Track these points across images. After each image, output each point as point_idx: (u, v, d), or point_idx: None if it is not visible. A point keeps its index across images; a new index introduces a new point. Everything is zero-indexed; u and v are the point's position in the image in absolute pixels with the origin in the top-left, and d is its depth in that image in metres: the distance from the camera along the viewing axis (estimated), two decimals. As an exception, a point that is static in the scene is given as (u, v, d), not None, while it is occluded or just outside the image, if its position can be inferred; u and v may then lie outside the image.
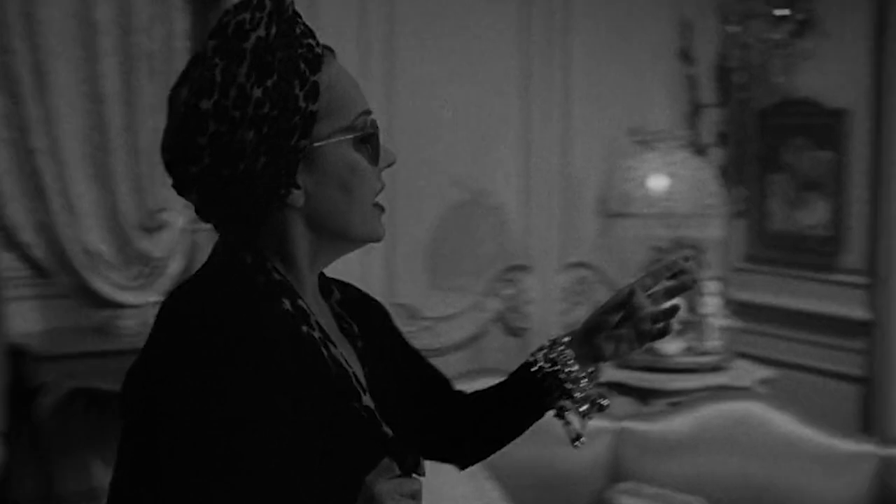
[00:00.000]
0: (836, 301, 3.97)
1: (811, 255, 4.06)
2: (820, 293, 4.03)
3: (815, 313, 4.02)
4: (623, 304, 1.38)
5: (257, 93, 1.17)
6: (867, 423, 3.84)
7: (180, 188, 1.22)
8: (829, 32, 3.91)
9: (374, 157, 1.26)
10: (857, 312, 3.88)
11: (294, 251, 1.26)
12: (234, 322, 1.16)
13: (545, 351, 1.40)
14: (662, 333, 1.39)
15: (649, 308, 1.37)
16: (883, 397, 3.79)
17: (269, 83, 1.17)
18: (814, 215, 4.05)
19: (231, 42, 1.18)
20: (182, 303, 1.20)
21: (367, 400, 1.23)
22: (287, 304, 1.21)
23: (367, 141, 1.25)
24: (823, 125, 3.95)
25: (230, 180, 1.19)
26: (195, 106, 1.18)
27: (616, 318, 1.38)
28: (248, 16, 1.19)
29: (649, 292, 1.38)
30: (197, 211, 1.24)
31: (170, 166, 1.21)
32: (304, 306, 1.22)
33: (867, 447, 2.81)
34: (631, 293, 1.37)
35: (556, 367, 1.38)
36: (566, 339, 1.41)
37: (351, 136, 1.23)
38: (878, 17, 3.79)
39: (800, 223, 4.10)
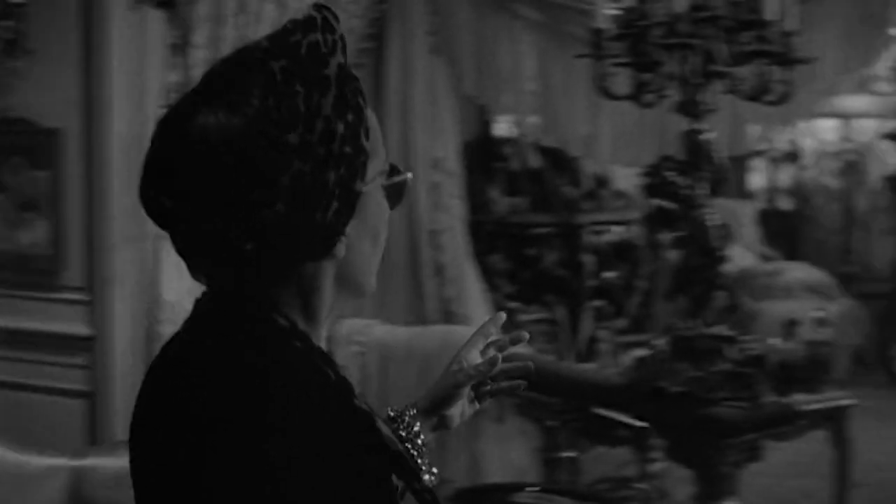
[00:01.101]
0: (58, 318, 4.16)
1: (33, 274, 4.20)
2: (43, 311, 4.19)
3: (39, 331, 4.17)
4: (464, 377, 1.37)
5: (340, 128, 1.05)
6: (93, 436, 4.11)
7: (202, 237, 1.04)
8: (39, 51, 4.06)
9: (394, 203, 1.16)
10: (79, 328, 4.11)
11: (319, 306, 1.13)
12: (298, 397, 1.02)
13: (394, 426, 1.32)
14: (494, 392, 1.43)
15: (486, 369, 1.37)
16: (105, 409, 4.08)
17: (348, 117, 1.06)
18: (33, 234, 4.20)
19: (309, 67, 1.05)
20: (229, 371, 1.03)
21: (426, 480, 1.15)
22: (332, 374, 1.07)
23: (398, 186, 1.15)
24: (38, 144, 4.13)
25: (299, 228, 1.04)
26: (277, 140, 1.02)
27: (466, 389, 1.37)
28: (320, 37, 1.06)
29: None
30: (197, 259, 1.08)
31: (191, 214, 1.03)
32: (347, 377, 1.07)
33: (59, 461, 2.84)
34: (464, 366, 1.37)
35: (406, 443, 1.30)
36: (412, 412, 1.34)
37: (385, 181, 1.13)
38: (86, 38, 4.05)
39: (20, 242, 4.23)
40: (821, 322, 4.45)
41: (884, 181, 8.90)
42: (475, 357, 1.40)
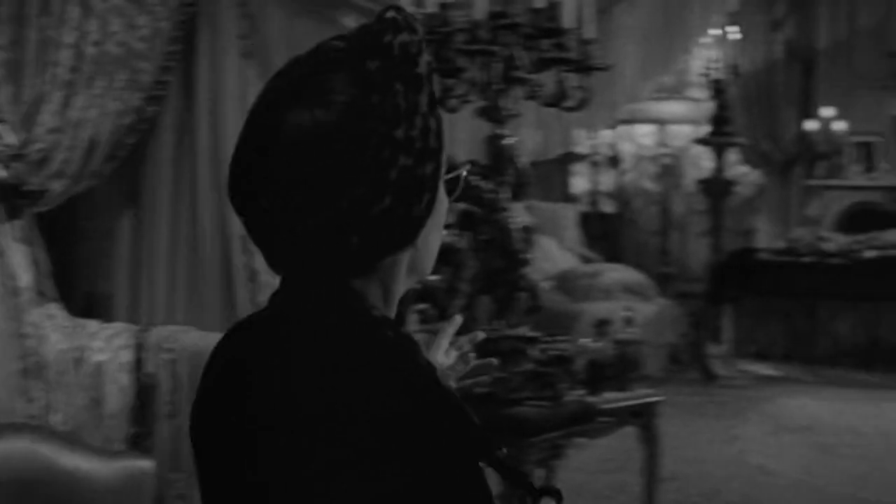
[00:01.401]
0: None
1: None
2: None
3: None
4: None
5: (433, 124, 1.12)
6: None
7: (304, 229, 1.10)
8: None
9: (451, 195, 1.21)
10: None
11: (395, 294, 1.19)
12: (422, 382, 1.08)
13: None
14: None
15: None
16: None
17: (437, 113, 1.12)
18: None
19: (403, 66, 1.11)
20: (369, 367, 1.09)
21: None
22: (424, 360, 1.11)
23: (456, 180, 1.22)
24: None
25: (400, 221, 1.11)
26: (386, 135, 1.08)
27: None
28: (408, 37, 1.11)
29: None
30: (280, 254, 1.15)
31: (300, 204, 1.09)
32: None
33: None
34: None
35: None
36: None
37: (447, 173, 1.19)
38: None
39: None
40: (628, 321, 4.62)
41: (697, 184, 9.29)
42: (442, 359, 1.49)
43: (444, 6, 3.13)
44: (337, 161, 1.10)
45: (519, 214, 3.28)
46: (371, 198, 1.10)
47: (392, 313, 1.20)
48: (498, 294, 3.20)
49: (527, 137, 6.36)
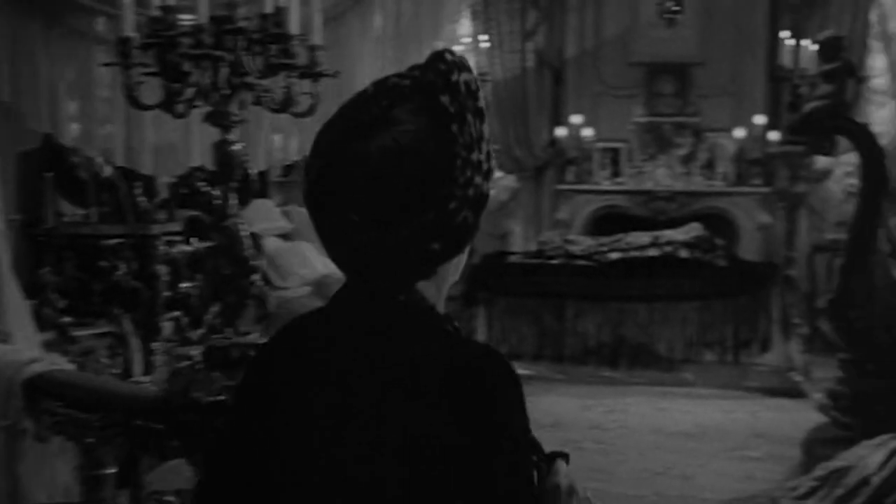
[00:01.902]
0: None
1: None
2: None
3: None
4: None
5: (491, 148, 1.40)
6: None
7: (405, 245, 1.32)
8: None
9: None
10: None
11: (444, 295, 1.44)
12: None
13: None
14: None
15: None
16: None
17: (490, 140, 1.40)
18: None
19: (469, 101, 1.35)
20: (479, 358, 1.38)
21: None
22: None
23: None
24: None
25: (471, 230, 1.36)
26: (467, 159, 1.33)
27: None
28: (469, 76, 1.36)
29: None
30: (366, 259, 1.35)
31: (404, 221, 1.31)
32: None
33: None
34: None
35: None
36: None
37: None
38: None
39: None
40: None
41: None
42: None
43: (167, 9, 3.10)
44: (427, 181, 1.33)
45: (245, 221, 3.26)
46: (456, 211, 1.34)
47: (442, 311, 1.45)
48: (227, 301, 3.19)
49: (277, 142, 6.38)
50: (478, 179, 1.37)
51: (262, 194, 9.29)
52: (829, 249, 9.07)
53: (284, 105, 3.24)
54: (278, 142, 7.80)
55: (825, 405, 5.86)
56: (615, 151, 9.83)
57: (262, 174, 8.87)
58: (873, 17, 9.49)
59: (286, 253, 8.82)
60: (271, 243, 8.82)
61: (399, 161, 1.32)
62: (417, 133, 1.33)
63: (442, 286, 1.45)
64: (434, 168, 1.33)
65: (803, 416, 6.49)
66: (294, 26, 3.17)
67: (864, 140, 5.86)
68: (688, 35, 9.57)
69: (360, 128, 1.36)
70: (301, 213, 9.42)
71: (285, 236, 9.10)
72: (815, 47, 6.14)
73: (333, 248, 1.42)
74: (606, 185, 9.74)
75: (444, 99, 1.36)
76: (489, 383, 1.37)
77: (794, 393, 7.37)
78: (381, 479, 1.33)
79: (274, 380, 1.45)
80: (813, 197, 9.65)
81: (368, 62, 5.50)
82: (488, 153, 1.40)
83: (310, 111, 3.28)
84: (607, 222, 9.61)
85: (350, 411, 1.36)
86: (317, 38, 3.26)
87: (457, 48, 8.90)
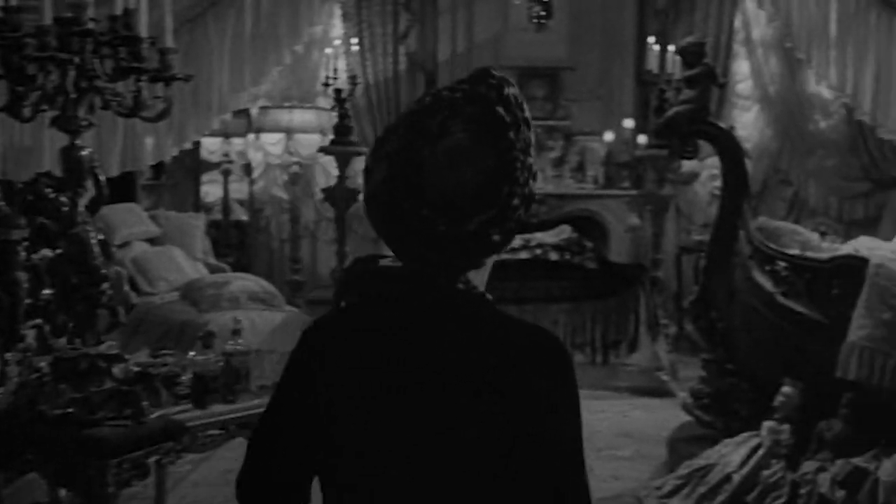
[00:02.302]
0: None
1: None
2: None
3: None
4: None
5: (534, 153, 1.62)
6: None
7: (488, 235, 1.53)
8: None
9: None
10: None
11: (485, 284, 1.65)
12: None
13: None
14: None
15: None
16: None
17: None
18: None
19: (519, 111, 1.56)
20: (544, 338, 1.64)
21: None
22: None
23: None
24: None
25: (521, 224, 1.58)
26: (524, 163, 1.55)
27: None
28: (515, 90, 1.59)
29: None
30: (456, 255, 1.55)
31: (491, 218, 1.52)
32: None
33: None
34: None
35: None
36: None
37: None
38: None
39: None
40: (236, 333, 4.63)
41: (322, 193, 9.46)
42: None
43: (9, 10, 3.00)
44: (493, 181, 1.52)
45: (94, 229, 3.18)
46: (516, 207, 1.54)
47: None
48: (77, 311, 3.11)
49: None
50: (531, 181, 1.59)
51: (130, 198, 9.10)
52: (695, 251, 9.30)
53: (134, 109, 3.17)
54: (150, 144, 7.66)
55: (688, 404, 6.00)
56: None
57: (131, 177, 8.69)
58: (738, 23, 9.76)
59: (154, 258, 8.65)
60: (138, 248, 8.64)
61: (467, 163, 1.52)
62: (478, 139, 1.53)
63: (484, 276, 1.65)
64: (499, 171, 1.53)
65: (670, 415, 6.63)
66: (144, 29, 3.10)
67: (724, 144, 6.02)
68: (558, 39, 9.71)
69: (426, 134, 1.54)
70: (170, 217, 9.26)
71: (153, 241, 8.93)
72: (678, 52, 6.28)
73: (401, 241, 1.62)
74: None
75: (500, 110, 1.55)
76: (558, 359, 1.62)
77: (662, 392, 7.53)
78: (477, 445, 1.54)
79: (341, 364, 1.62)
80: (680, 199, 9.89)
81: (227, 64, 5.43)
82: (533, 157, 1.61)
83: (162, 115, 3.22)
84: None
85: (443, 389, 1.55)
86: (169, 41, 3.20)
87: (328, 51, 8.90)
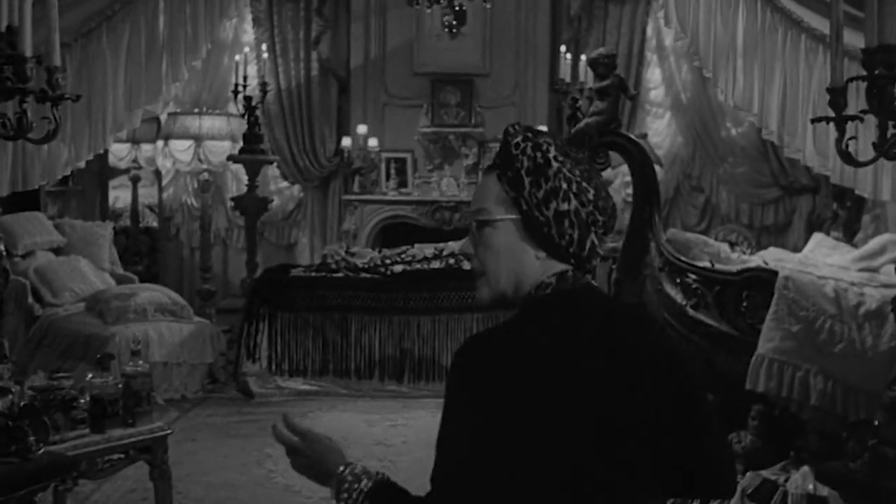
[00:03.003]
0: None
1: None
2: None
3: None
4: None
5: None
6: None
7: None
8: None
9: None
10: None
11: None
12: None
13: None
14: None
15: None
16: None
17: None
18: None
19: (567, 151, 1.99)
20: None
21: None
22: None
23: None
24: None
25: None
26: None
27: None
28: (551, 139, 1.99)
29: None
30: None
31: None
32: None
33: None
34: None
35: None
36: None
37: None
38: None
39: None
40: (135, 354, 4.48)
41: (231, 202, 9.31)
42: None
43: None
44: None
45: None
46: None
47: None
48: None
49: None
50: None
51: (34, 206, 8.83)
52: (608, 258, 9.30)
53: (19, 132, 3.02)
54: (40, 164, 7.41)
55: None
56: (401, 162, 9.82)
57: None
58: (649, 30, 9.81)
59: (59, 268, 8.40)
60: (42, 258, 8.39)
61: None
62: (555, 168, 1.93)
63: None
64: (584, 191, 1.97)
65: None
66: (29, 48, 2.95)
67: (634, 155, 6.01)
68: (472, 46, 9.67)
69: (591, 172, 2.00)
70: (75, 225, 9.00)
71: (58, 250, 8.68)
72: (589, 64, 6.27)
73: (592, 250, 1.96)
74: (392, 196, 9.71)
75: (550, 150, 1.96)
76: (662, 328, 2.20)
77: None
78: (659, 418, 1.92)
79: (552, 355, 1.87)
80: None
81: (122, 80, 5.26)
82: None
83: (50, 137, 3.07)
84: (394, 233, 9.59)
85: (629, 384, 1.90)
86: (55, 60, 3.05)
87: (237, 58, 8.73)
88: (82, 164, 8.25)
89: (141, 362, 4.49)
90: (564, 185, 1.89)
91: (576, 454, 1.82)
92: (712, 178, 9.98)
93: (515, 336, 1.89)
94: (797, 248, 9.52)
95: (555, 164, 1.90)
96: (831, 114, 3.06)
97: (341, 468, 1.97)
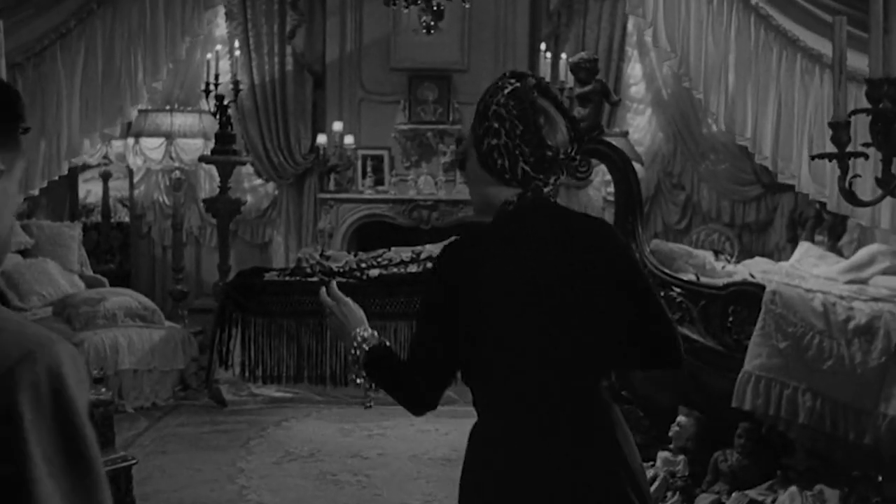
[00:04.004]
0: None
1: None
2: None
3: None
4: None
5: None
6: None
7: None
8: None
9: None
10: None
11: None
12: None
13: None
14: None
15: None
16: None
17: None
18: None
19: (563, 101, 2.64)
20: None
21: None
22: None
23: None
24: None
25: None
26: (577, 123, 2.57)
27: None
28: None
29: None
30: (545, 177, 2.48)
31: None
32: None
33: None
34: None
35: None
36: None
37: None
38: None
39: None
40: (98, 381, 4.26)
41: (204, 203, 9.08)
42: None
43: None
44: (569, 134, 2.46)
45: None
46: (577, 148, 2.51)
47: None
48: None
49: None
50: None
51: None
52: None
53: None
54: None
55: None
56: (378, 159, 9.59)
57: None
58: (630, 25, 9.60)
59: (26, 271, 8.15)
60: (9, 260, 8.13)
61: (560, 127, 2.44)
62: (560, 116, 2.46)
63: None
64: (570, 129, 2.45)
65: None
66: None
67: (616, 162, 5.80)
68: (450, 41, 9.43)
69: (533, 105, 2.41)
70: (43, 226, 8.73)
71: (25, 252, 8.42)
72: (570, 69, 6.04)
73: (535, 172, 2.42)
74: (369, 194, 9.47)
75: (553, 91, 2.49)
76: (612, 231, 2.53)
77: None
78: (585, 295, 2.37)
79: (487, 246, 2.44)
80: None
81: (77, 102, 5.00)
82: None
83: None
84: (369, 232, 9.37)
85: (552, 253, 2.39)
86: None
87: (209, 56, 8.46)
88: (35, 192, 8.02)
89: (104, 389, 4.28)
90: (496, 124, 2.38)
91: (524, 325, 2.35)
92: (693, 175, 9.80)
93: (478, 236, 2.47)
94: (779, 247, 9.40)
95: (493, 107, 2.39)
96: (828, 139, 2.86)
97: (357, 330, 2.54)
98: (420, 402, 2.46)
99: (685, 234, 9.71)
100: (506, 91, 2.39)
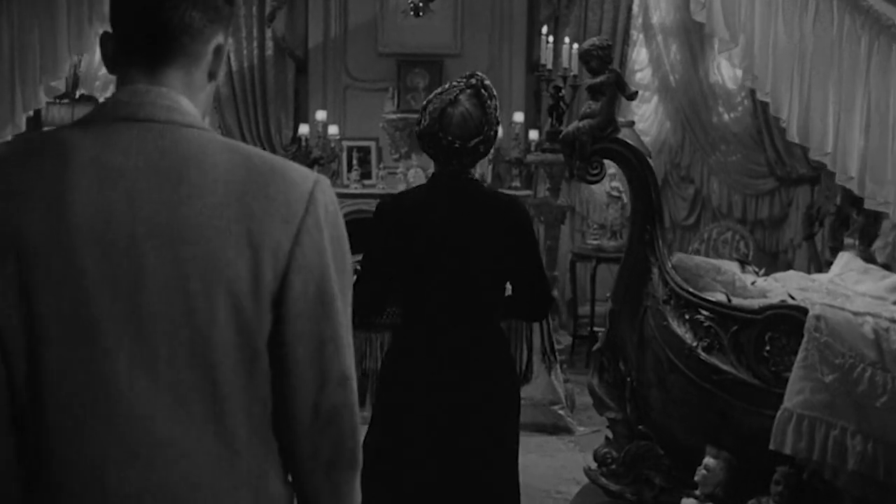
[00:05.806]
0: None
1: None
2: None
3: None
4: None
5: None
6: None
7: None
8: None
9: None
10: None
11: None
12: None
13: None
14: None
15: None
16: None
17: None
18: None
19: (492, 92, 3.27)
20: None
21: None
22: None
23: None
24: None
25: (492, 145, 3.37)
26: (496, 117, 3.26)
27: None
28: (488, 83, 3.35)
29: None
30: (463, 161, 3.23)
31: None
32: None
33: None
34: None
35: None
36: None
37: None
38: None
39: None
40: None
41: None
42: None
43: None
44: (484, 124, 3.19)
45: None
46: (494, 136, 3.24)
47: None
48: None
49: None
50: (496, 126, 3.23)
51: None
52: (591, 258, 8.38)
53: None
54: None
55: (592, 472, 5.02)
56: (364, 151, 8.80)
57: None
58: (635, 6, 8.81)
59: None
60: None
61: (472, 117, 3.13)
62: (475, 106, 3.15)
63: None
64: (483, 120, 3.16)
65: (568, 460, 5.92)
66: None
67: (633, 164, 5.00)
68: (441, 24, 8.65)
69: (451, 103, 3.12)
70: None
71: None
72: (580, 57, 5.21)
73: (442, 155, 3.17)
74: (355, 189, 8.67)
75: (485, 92, 3.18)
76: (524, 211, 3.35)
77: (558, 429, 6.61)
78: (489, 251, 3.22)
79: (409, 217, 3.19)
80: (574, 198, 8.96)
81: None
82: (497, 118, 3.23)
83: None
84: (356, 228, 8.52)
85: (462, 226, 3.19)
86: None
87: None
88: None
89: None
90: (421, 116, 3.21)
91: (440, 264, 3.16)
92: (703, 167, 9.02)
93: (405, 196, 3.55)
94: (794, 244, 8.63)
95: (424, 102, 3.23)
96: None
97: None
98: (378, 303, 3.27)
99: (694, 231, 8.97)
100: (442, 88, 3.26)
